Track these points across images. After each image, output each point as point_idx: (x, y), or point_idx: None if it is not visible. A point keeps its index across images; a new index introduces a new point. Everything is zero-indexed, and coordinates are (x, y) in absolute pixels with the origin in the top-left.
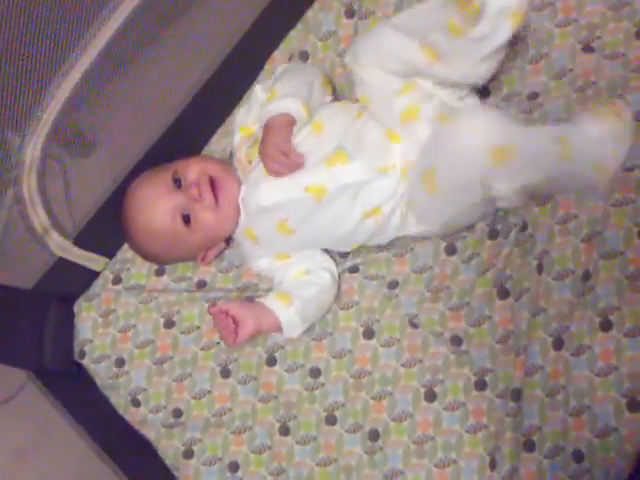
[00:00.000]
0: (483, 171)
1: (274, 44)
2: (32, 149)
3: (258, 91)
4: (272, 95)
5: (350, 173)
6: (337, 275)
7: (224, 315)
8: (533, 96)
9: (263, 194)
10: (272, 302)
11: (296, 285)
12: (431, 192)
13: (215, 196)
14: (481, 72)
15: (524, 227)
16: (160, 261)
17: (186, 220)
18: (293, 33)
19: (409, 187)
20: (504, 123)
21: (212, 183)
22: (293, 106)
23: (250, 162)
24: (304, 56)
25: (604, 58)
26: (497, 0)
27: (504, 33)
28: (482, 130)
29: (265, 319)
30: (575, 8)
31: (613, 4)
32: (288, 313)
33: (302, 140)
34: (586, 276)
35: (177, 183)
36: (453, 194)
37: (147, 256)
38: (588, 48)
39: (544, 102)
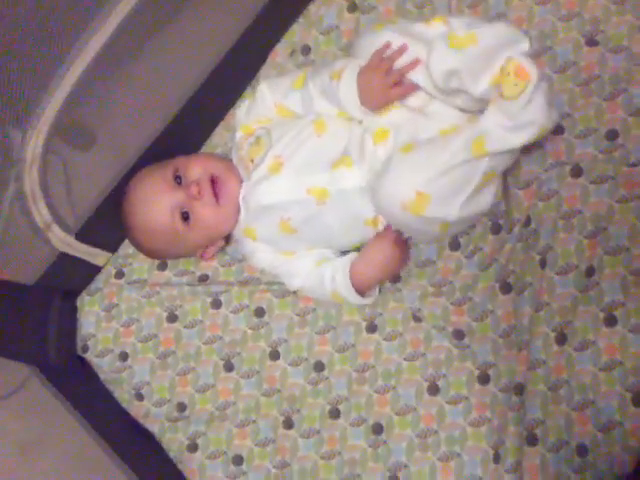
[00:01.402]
0: (416, 220)
1: (276, 38)
2: (33, 145)
3: (264, 89)
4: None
5: (353, 178)
6: None
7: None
8: None
9: (265, 193)
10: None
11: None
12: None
13: (215, 194)
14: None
15: (527, 222)
16: (159, 257)
17: (185, 217)
18: (295, 27)
19: None
20: (410, 173)
21: (212, 181)
22: None
23: (252, 161)
24: (306, 50)
25: (608, 51)
26: (537, 106)
27: (523, 137)
28: (392, 194)
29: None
30: (578, 2)
31: None
32: None
33: (303, 139)
34: (590, 272)
35: (177, 180)
36: (412, 232)
37: (146, 252)
38: (592, 41)
39: None
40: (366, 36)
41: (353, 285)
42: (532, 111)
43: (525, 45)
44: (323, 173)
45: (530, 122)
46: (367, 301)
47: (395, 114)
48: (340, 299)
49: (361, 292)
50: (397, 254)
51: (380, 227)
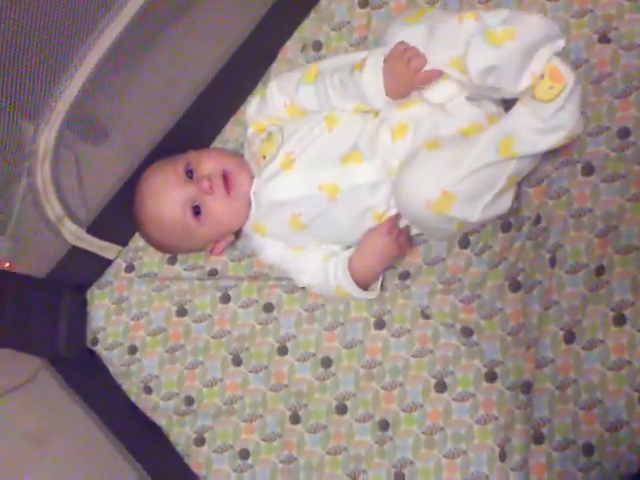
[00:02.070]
0: (440, 220)
1: (287, 33)
2: (46, 138)
3: (274, 89)
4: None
5: (364, 173)
6: None
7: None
8: None
9: (277, 189)
10: None
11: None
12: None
13: (227, 189)
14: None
15: (537, 220)
16: (169, 250)
17: (196, 212)
18: (306, 22)
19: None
20: (437, 172)
21: (225, 177)
22: None
23: (264, 157)
24: (317, 46)
25: (620, 49)
26: (570, 111)
27: (552, 141)
28: (417, 192)
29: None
30: None
31: None
32: None
33: (315, 136)
34: (600, 270)
35: (189, 174)
36: (426, 229)
37: (156, 245)
38: (604, 39)
39: None
40: (399, 27)
41: (354, 278)
42: (564, 116)
43: (561, 42)
44: (334, 168)
45: (560, 126)
46: (370, 295)
47: (415, 109)
48: (344, 294)
49: (363, 285)
50: (390, 244)
51: None
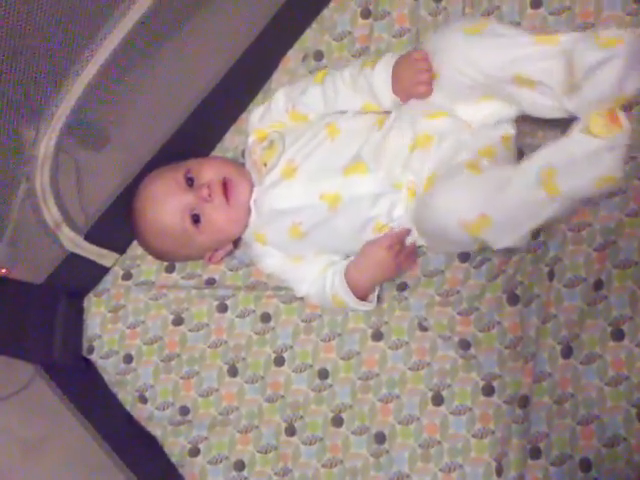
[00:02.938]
0: (466, 240)
1: (289, 43)
2: (46, 144)
3: (280, 94)
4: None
5: (367, 184)
6: None
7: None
8: None
9: (278, 197)
10: None
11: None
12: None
13: (227, 198)
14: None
15: (537, 233)
16: (167, 259)
17: (195, 220)
18: (308, 32)
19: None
20: (477, 194)
21: (225, 185)
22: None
23: (265, 165)
24: (319, 56)
25: None
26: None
27: (594, 180)
28: (454, 210)
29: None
30: (593, 13)
31: (631, 10)
32: None
33: (317, 145)
34: (598, 285)
35: (189, 182)
36: (441, 245)
37: (154, 253)
38: None
39: None
40: (461, 38)
41: (350, 288)
42: (611, 157)
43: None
44: (336, 178)
45: (606, 167)
46: (366, 306)
47: (442, 122)
48: (340, 303)
49: (360, 296)
50: (389, 259)
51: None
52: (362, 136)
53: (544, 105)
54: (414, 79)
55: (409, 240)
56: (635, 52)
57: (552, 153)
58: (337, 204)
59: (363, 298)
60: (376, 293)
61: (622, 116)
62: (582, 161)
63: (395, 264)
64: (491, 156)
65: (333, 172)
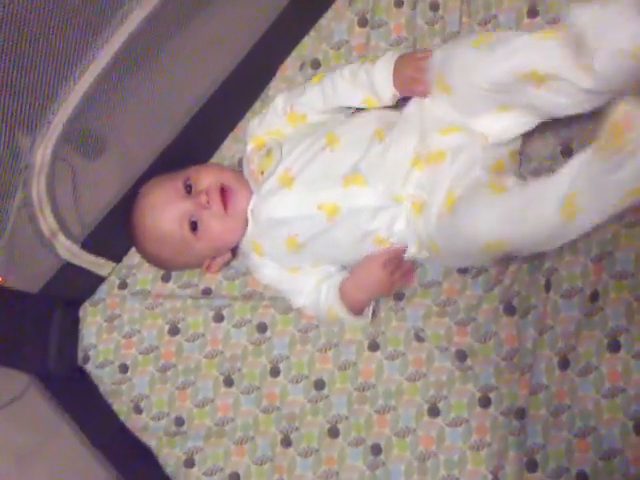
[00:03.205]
0: (486, 257)
1: (286, 51)
2: (42, 152)
3: (279, 101)
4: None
5: (366, 197)
6: None
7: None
8: None
9: (275, 206)
10: None
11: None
12: (437, 255)
13: (224, 205)
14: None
15: None
16: (166, 266)
17: (193, 227)
18: (306, 41)
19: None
20: (502, 214)
21: (223, 192)
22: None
23: (262, 173)
24: (316, 64)
25: None
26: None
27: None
28: (480, 231)
29: None
30: None
31: None
32: None
33: (315, 154)
34: (594, 296)
35: (188, 189)
36: (461, 263)
37: (153, 260)
38: None
39: None
40: (460, 52)
41: (344, 302)
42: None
43: None
44: (335, 189)
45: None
46: (360, 320)
47: (456, 138)
48: (335, 316)
49: (354, 310)
50: (383, 277)
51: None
52: (362, 147)
53: (560, 103)
54: (414, 75)
55: (407, 256)
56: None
57: (574, 177)
58: (336, 215)
59: (358, 312)
60: (371, 307)
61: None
62: (604, 181)
63: (390, 282)
64: (501, 170)
65: (332, 182)
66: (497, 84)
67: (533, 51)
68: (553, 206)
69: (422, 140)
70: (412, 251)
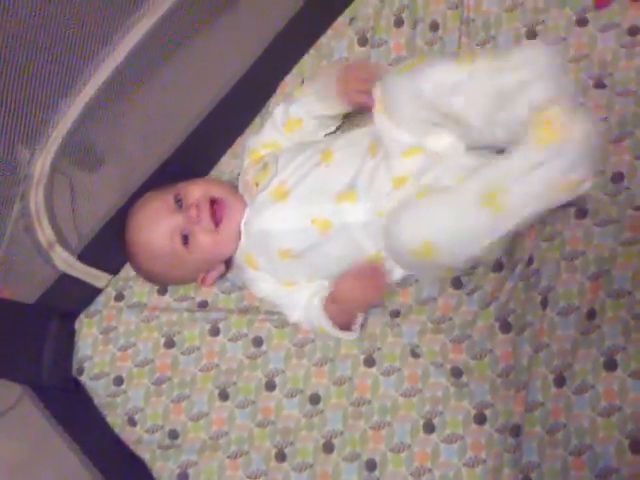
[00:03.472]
0: (422, 264)
1: (287, 69)
2: (41, 164)
3: (277, 112)
4: None
5: (357, 214)
6: None
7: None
8: None
9: (268, 219)
10: None
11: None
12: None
13: (215, 218)
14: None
15: (530, 261)
16: (160, 282)
17: (185, 241)
18: (306, 58)
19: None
20: (419, 221)
21: (214, 205)
22: None
23: (257, 184)
24: None
25: (615, 95)
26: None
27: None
28: (402, 239)
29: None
30: (587, 44)
31: (626, 42)
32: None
33: (310, 168)
34: (591, 314)
35: (179, 204)
36: (417, 272)
37: (147, 276)
38: (600, 84)
39: None
40: (393, 78)
41: (330, 318)
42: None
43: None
44: (328, 204)
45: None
46: (349, 335)
47: (415, 160)
48: (325, 332)
49: (342, 325)
50: (356, 292)
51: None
52: (356, 163)
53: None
54: (351, 86)
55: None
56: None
57: (491, 173)
58: (328, 229)
59: (344, 327)
60: (359, 321)
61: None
62: (523, 176)
63: (363, 298)
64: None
65: (326, 197)
66: (426, 108)
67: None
68: (470, 204)
69: (389, 166)
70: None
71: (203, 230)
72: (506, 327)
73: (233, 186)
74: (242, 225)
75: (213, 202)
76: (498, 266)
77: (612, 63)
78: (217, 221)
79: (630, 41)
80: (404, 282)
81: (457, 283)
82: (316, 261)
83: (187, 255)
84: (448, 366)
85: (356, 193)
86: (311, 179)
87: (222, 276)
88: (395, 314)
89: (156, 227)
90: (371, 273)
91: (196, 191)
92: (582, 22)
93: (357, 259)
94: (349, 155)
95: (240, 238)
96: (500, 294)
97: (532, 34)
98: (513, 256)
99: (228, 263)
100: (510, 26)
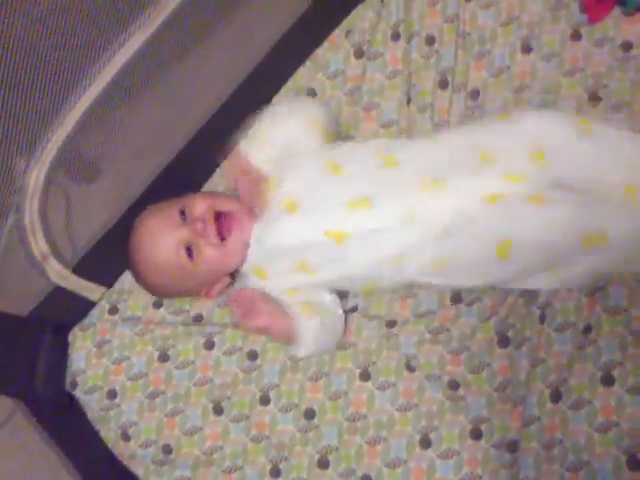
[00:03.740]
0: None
1: (283, 80)
2: (36, 176)
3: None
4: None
5: (373, 219)
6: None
7: (245, 296)
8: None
9: (280, 234)
10: (295, 310)
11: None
12: None
13: (221, 232)
14: None
15: None
16: (166, 294)
17: (190, 253)
18: (302, 70)
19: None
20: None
21: (220, 219)
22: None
23: (264, 198)
24: (312, 94)
25: (610, 108)
26: None
27: None
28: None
29: (280, 322)
30: (582, 58)
31: (620, 57)
32: (308, 325)
33: (318, 179)
34: (587, 329)
35: (183, 217)
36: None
37: (153, 289)
38: (594, 97)
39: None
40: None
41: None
42: None
43: None
44: (340, 214)
45: None
46: (294, 349)
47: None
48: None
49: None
50: (240, 316)
51: (401, 266)
52: (365, 171)
53: None
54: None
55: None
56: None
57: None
58: (343, 241)
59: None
60: (301, 340)
61: None
62: None
63: (243, 324)
64: None
65: (337, 208)
66: None
67: None
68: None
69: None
70: (412, 273)
71: (208, 243)
72: (505, 341)
73: (237, 198)
74: (252, 239)
75: (219, 215)
76: None
77: (607, 75)
78: (223, 234)
79: (624, 56)
80: (402, 294)
81: (457, 298)
82: (330, 274)
83: (193, 268)
84: (445, 378)
85: (369, 199)
86: (320, 190)
87: (227, 288)
88: (392, 324)
89: (162, 240)
90: (241, 301)
91: (202, 204)
92: (576, 36)
93: (363, 271)
94: (359, 166)
95: (247, 249)
96: (501, 309)
97: (527, 48)
98: None
99: (233, 274)
100: (505, 40)
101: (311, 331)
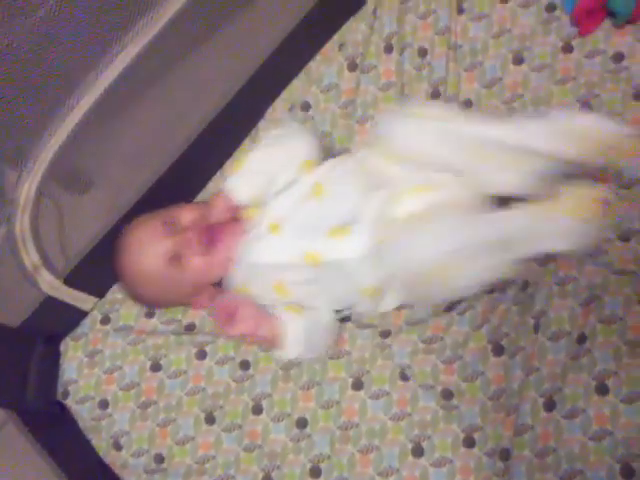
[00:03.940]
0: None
1: (276, 93)
2: (27, 187)
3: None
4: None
5: (349, 248)
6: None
7: (227, 304)
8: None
9: (261, 252)
10: (282, 312)
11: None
12: None
13: (208, 243)
14: None
15: (525, 286)
16: (153, 304)
17: (176, 263)
18: (295, 83)
19: None
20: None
21: (208, 230)
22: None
23: (248, 218)
24: (306, 107)
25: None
26: None
27: None
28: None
29: (264, 324)
30: (574, 67)
31: (611, 68)
32: (293, 323)
33: (303, 202)
34: (581, 339)
35: (171, 227)
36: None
37: (141, 299)
38: (586, 105)
39: None
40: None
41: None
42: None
43: None
44: (320, 238)
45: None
46: (283, 354)
47: (423, 197)
48: None
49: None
50: (221, 325)
51: (378, 294)
52: (348, 196)
53: None
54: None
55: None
56: None
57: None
58: (319, 265)
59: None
60: (286, 343)
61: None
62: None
63: (226, 332)
64: None
65: (318, 233)
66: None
67: None
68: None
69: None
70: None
71: (195, 254)
72: (499, 350)
73: (225, 210)
74: (236, 256)
75: (207, 227)
76: (490, 287)
77: (599, 84)
78: (210, 245)
79: (615, 67)
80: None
81: (449, 305)
82: (307, 294)
83: (179, 276)
84: (439, 388)
85: (350, 227)
86: (303, 213)
87: (214, 297)
88: (385, 334)
89: (149, 250)
90: (222, 309)
91: (191, 214)
92: (568, 49)
93: (342, 295)
94: (343, 190)
95: (232, 263)
96: (492, 316)
97: (519, 60)
98: (505, 278)
99: (220, 284)
100: (497, 52)
101: (296, 328)
